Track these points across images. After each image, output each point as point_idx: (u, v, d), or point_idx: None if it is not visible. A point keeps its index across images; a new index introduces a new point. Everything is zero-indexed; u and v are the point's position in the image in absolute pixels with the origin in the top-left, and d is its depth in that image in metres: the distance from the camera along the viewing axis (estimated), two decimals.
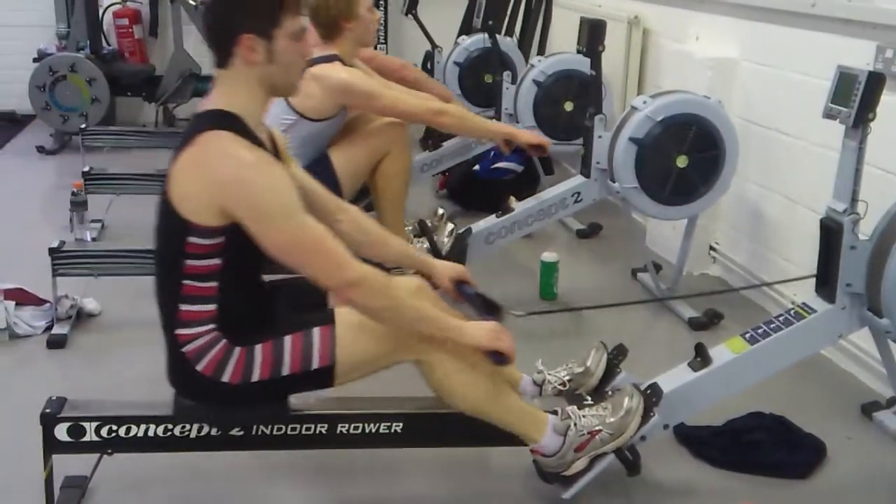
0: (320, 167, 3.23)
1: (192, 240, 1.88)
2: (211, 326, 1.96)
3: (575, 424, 2.13)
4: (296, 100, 3.14)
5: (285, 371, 1.98)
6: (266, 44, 1.90)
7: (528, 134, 3.51)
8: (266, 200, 1.85)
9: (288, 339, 1.99)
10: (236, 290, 1.97)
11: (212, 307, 1.95)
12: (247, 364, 1.97)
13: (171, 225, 1.90)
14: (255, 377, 1.97)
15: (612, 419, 2.15)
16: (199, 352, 1.97)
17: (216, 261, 1.91)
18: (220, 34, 1.93)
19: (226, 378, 1.97)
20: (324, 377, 2.01)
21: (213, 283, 1.93)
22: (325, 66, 3.20)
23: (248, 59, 1.90)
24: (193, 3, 6.18)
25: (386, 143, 3.38)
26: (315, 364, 1.99)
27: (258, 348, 1.98)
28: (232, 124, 1.89)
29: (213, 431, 2.09)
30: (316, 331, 1.99)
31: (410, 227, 3.41)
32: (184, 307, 1.95)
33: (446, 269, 2.31)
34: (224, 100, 1.93)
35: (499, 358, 2.05)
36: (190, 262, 1.91)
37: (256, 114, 1.97)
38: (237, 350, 1.97)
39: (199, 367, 1.97)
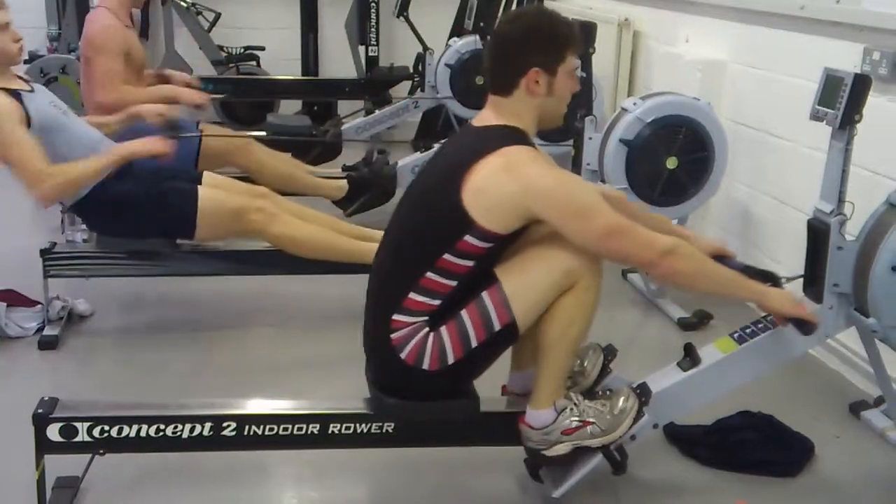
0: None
1: (468, 238, 2.00)
2: (425, 318, 2.05)
3: (574, 406, 2.15)
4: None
5: (474, 343, 2.05)
6: (549, 78, 2.07)
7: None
8: (579, 200, 2.03)
9: (464, 313, 2.05)
10: (464, 291, 2.06)
11: (437, 302, 2.05)
12: (440, 349, 2.05)
13: (448, 220, 2.02)
14: (451, 359, 2.05)
15: (607, 416, 2.17)
16: (403, 339, 2.05)
17: (471, 262, 2.03)
18: (510, 64, 2.08)
19: (425, 365, 2.05)
20: (509, 334, 2.08)
21: (453, 282, 2.04)
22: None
23: (531, 91, 2.07)
24: (185, 5, 6.18)
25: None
26: (497, 325, 2.05)
27: (444, 331, 2.05)
28: (526, 141, 2.08)
29: (206, 431, 2.09)
30: (485, 294, 2.05)
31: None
32: (413, 296, 2.04)
33: (707, 243, 2.40)
34: (509, 120, 2.09)
35: (804, 326, 2.17)
36: (449, 257, 2.02)
37: (530, 137, 2.12)
38: (430, 335, 2.05)
39: (402, 355, 2.05)
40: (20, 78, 3.09)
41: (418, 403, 2.12)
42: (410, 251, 2.10)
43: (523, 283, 2.07)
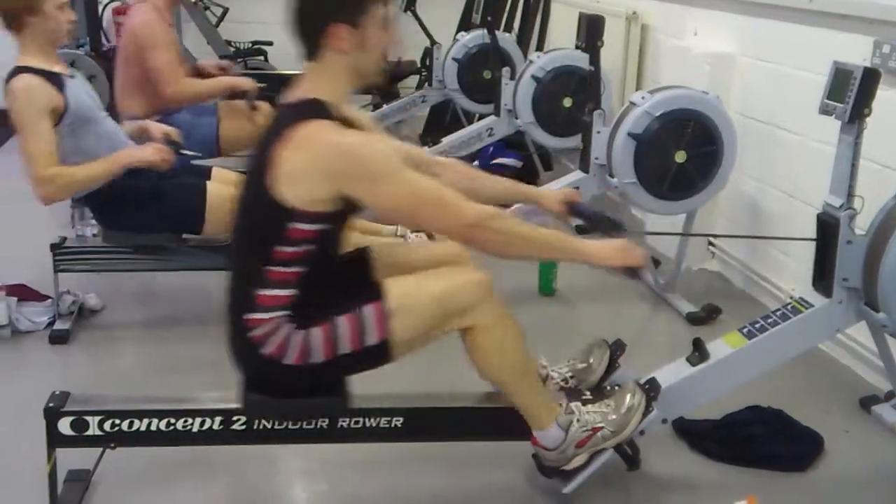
0: None
1: (295, 225, 1.92)
2: (284, 313, 2.00)
3: (578, 420, 2.15)
4: None
5: (344, 349, 2.01)
6: (355, 32, 1.94)
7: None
8: (376, 167, 1.91)
9: (342, 320, 2.01)
10: (316, 275, 2.00)
11: (290, 292, 1.98)
12: (306, 346, 2.00)
13: (268, 211, 1.93)
14: (318, 358, 2.00)
15: (614, 416, 2.17)
16: (265, 337, 2.00)
17: (308, 247, 1.95)
18: (308, 26, 1.96)
19: (289, 360, 2.00)
20: (382, 353, 2.03)
21: (298, 269, 1.97)
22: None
23: (338, 49, 1.94)
24: (193, 0, 6.19)
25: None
26: (372, 340, 2.01)
27: (315, 331, 2.00)
28: (327, 113, 1.93)
29: (215, 425, 2.10)
30: (368, 308, 2.01)
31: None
32: (262, 292, 1.98)
33: (555, 194, 2.35)
34: (314, 88, 1.97)
35: (632, 272, 2.08)
36: (281, 247, 1.95)
37: (343, 99, 2.01)
38: (300, 333, 2.01)
39: (264, 351, 2.00)
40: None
41: (288, 400, 2.09)
42: (247, 248, 2.04)
43: (408, 307, 2.01)
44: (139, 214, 3.12)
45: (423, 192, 1.94)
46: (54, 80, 2.94)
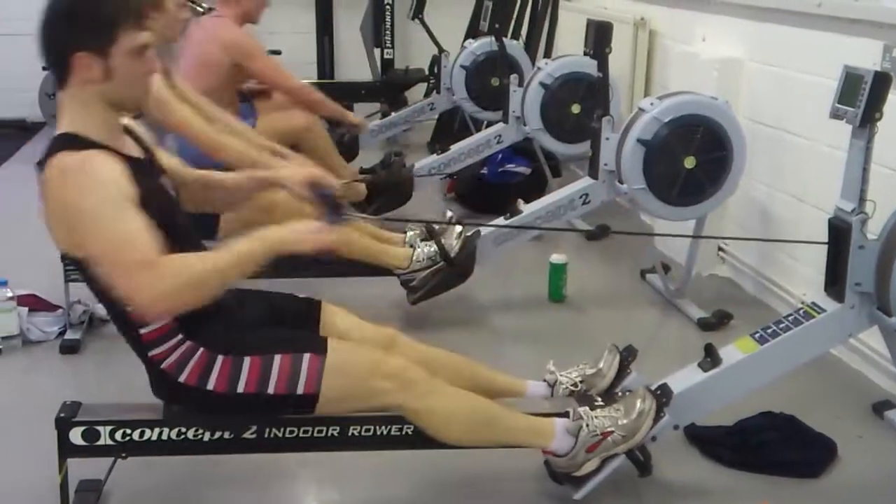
0: None
1: (88, 271, 1.86)
2: (179, 337, 1.97)
3: (587, 425, 2.14)
4: None
5: (270, 390, 2.00)
6: (102, 61, 1.81)
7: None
8: (77, 202, 1.79)
9: (278, 359, 2.00)
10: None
11: (165, 322, 1.95)
12: (232, 374, 1.99)
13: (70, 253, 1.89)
14: (241, 388, 1.99)
15: (624, 421, 2.16)
16: (178, 364, 1.98)
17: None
18: (53, 53, 1.84)
19: (211, 386, 1.99)
20: (306, 404, 2.03)
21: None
22: None
23: (85, 79, 1.82)
24: (201, 10, 6.20)
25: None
26: (300, 390, 2.00)
27: (246, 361, 1.99)
28: (69, 145, 1.82)
29: (226, 435, 2.10)
30: (307, 357, 2.01)
31: (418, 231, 3.42)
32: (142, 331, 1.96)
33: (298, 173, 2.17)
34: (68, 122, 1.86)
35: (326, 255, 2.01)
36: (105, 292, 1.87)
37: (106, 129, 1.88)
38: (220, 358, 1.99)
39: (181, 379, 1.99)
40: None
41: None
42: (101, 298, 1.98)
43: (345, 371, 2.02)
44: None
45: (120, 234, 1.76)
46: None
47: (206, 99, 3.78)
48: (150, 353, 1.99)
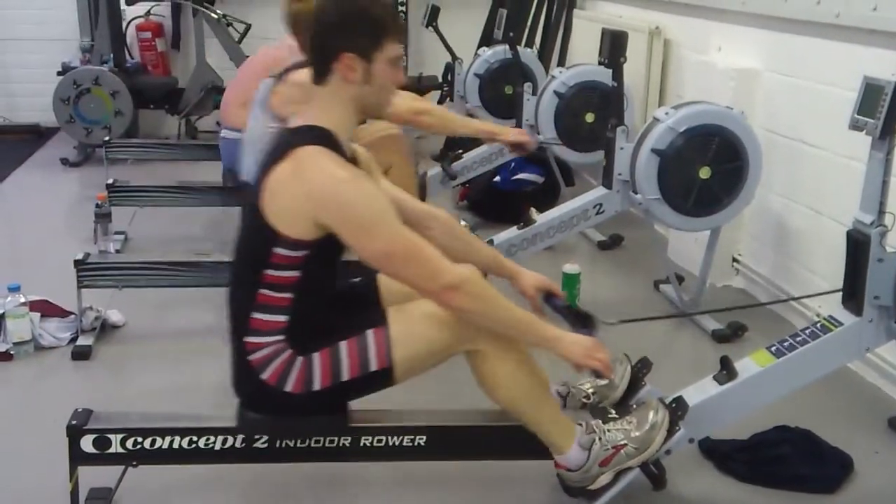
0: None
1: (278, 250, 1.92)
2: (280, 337, 1.99)
3: (600, 438, 2.12)
4: (282, 108, 3.18)
5: (345, 377, 2.00)
6: (365, 65, 1.96)
7: (511, 131, 3.64)
8: (361, 212, 1.90)
9: (343, 346, 2.01)
10: (309, 302, 2.00)
11: (283, 318, 1.99)
12: (308, 373, 2.00)
13: (259, 234, 1.94)
14: (317, 386, 2.00)
15: (637, 433, 2.14)
16: (264, 361, 2.00)
17: (295, 273, 1.95)
18: (322, 50, 1.98)
19: (288, 387, 2.00)
20: (383, 379, 2.03)
21: (288, 295, 1.97)
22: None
23: (346, 78, 1.96)
24: (216, 17, 6.23)
25: (385, 156, 3.30)
26: (373, 366, 2.01)
27: (316, 357, 2.00)
28: (325, 140, 1.94)
29: (237, 444, 2.09)
30: (370, 333, 2.01)
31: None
32: (256, 315, 1.99)
33: (532, 279, 2.31)
34: (318, 115, 1.99)
35: (595, 374, 2.07)
36: (270, 271, 1.95)
37: (346, 130, 2.02)
38: (299, 360, 2.00)
39: (263, 376, 2.00)
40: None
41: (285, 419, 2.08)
42: (241, 271, 2.05)
43: (410, 334, 2.02)
44: None
45: (406, 245, 1.92)
46: None
47: None
48: (246, 340, 2.00)
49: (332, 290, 2.10)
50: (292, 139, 1.95)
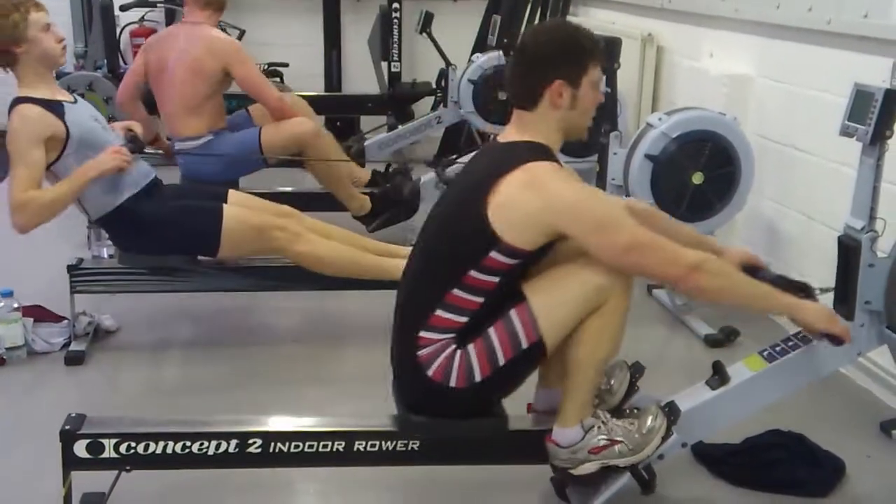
0: None
1: (494, 255, 2.00)
2: (451, 335, 2.04)
3: (602, 425, 2.14)
4: None
5: (501, 361, 2.04)
6: (573, 90, 2.06)
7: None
8: (601, 214, 2.02)
9: (492, 331, 2.05)
10: (493, 307, 2.05)
11: (464, 319, 2.04)
12: (468, 366, 2.04)
13: (475, 235, 2.01)
14: (478, 377, 2.04)
15: (635, 436, 2.15)
16: (431, 356, 2.04)
17: (497, 279, 2.03)
18: (534, 78, 2.07)
19: (453, 383, 2.04)
20: (536, 353, 2.06)
21: (480, 299, 2.04)
22: None
23: (554, 104, 2.06)
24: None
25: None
26: (525, 343, 2.04)
27: (471, 348, 2.04)
28: (551, 156, 2.07)
29: (231, 448, 2.09)
30: (513, 313, 2.05)
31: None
32: (439, 312, 2.04)
33: (736, 254, 2.36)
34: (533, 135, 2.09)
35: (835, 340, 2.13)
36: (475, 273, 2.02)
37: (555, 150, 2.11)
38: (459, 353, 2.04)
39: (429, 373, 2.05)
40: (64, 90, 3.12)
41: (444, 421, 2.11)
42: (437, 268, 2.09)
43: (551, 302, 2.06)
44: (155, 236, 3.12)
45: (644, 240, 2.01)
46: (54, 107, 2.93)
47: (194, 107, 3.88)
48: (421, 333, 2.05)
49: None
50: (522, 154, 2.04)
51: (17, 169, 2.87)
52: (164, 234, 3.11)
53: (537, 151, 2.06)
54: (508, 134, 2.13)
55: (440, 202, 2.22)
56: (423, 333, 2.05)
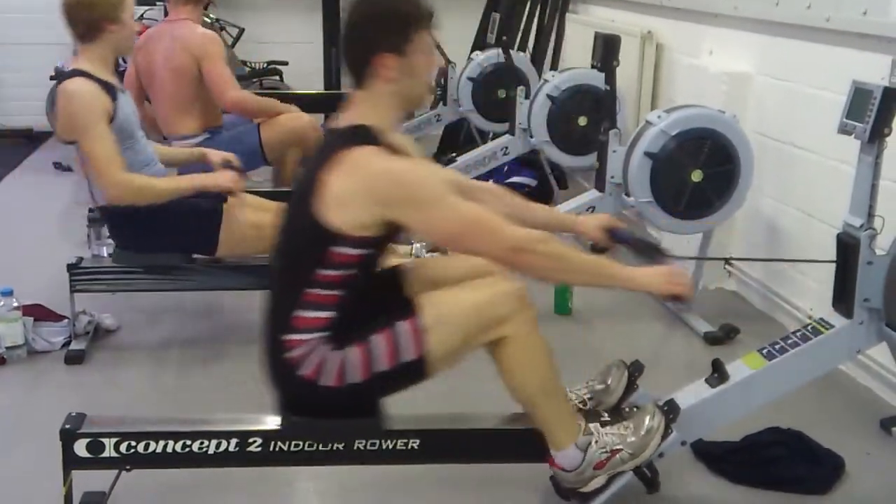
0: None
1: (338, 249, 1.95)
2: (320, 334, 2.01)
3: (596, 441, 2.13)
4: None
5: (381, 367, 2.01)
6: (402, 60, 1.98)
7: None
8: (424, 191, 1.95)
9: (378, 338, 2.02)
10: (354, 298, 2.01)
11: (327, 314, 2.00)
12: (343, 366, 2.01)
13: (312, 234, 1.96)
14: (355, 378, 2.01)
15: (633, 438, 2.15)
16: (302, 357, 2.01)
17: (350, 271, 1.98)
18: (357, 57, 2.01)
19: (328, 381, 2.01)
20: (418, 369, 2.03)
21: (337, 292, 1.99)
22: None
23: (385, 78, 1.98)
24: (209, 20, 6.23)
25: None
26: (409, 356, 2.01)
27: (352, 350, 2.01)
28: (375, 139, 1.97)
29: (231, 447, 2.09)
30: (403, 323, 2.02)
31: (424, 242, 3.41)
32: (300, 313, 2.00)
33: (594, 220, 2.37)
34: (363, 115, 2.01)
35: (678, 301, 2.09)
36: (323, 271, 1.97)
37: (391, 126, 2.06)
38: (336, 354, 2.01)
39: (301, 372, 2.01)
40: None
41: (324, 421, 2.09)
42: (288, 269, 2.06)
43: (443, 321, 2.02)
44: (153, 234, 3.12)
45: (469, 217, 1.96)
46: (109, 89, 2.98)
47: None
48: (284, 337, 2.01)
49: (371, 284, 2.10)
50: (342, 140, 1.98)
51: (99, 145, 2.92)
52: (163, 230, 3.11)
53: (358, 136, 1.97)
54: (341, 118, 2.04)
55: (287, 202, 2.13)
56: (290, 336, 2.00)
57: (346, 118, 2.03)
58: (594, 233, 2.34)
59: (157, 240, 3.14)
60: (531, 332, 2.08)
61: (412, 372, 2.03)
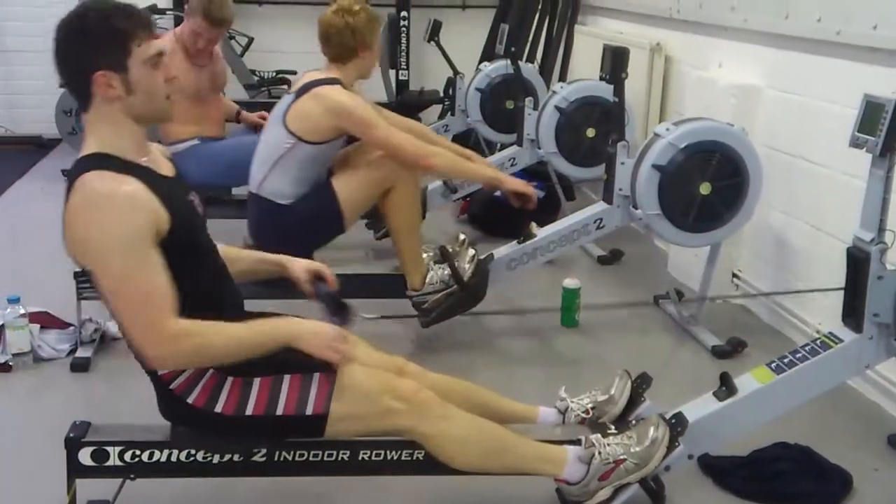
0: (322, 194, 3.27)
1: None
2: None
3: (599, 453, 2.12)
4: (293, 122, 3.20)
5: (279, 411, 1.99)
6: (122, 76, 1.85)
7: (515, 181, 3.41)
8: (100, 243, 1.81)
9: (287, 378, 2.00)
10: (203, 319, 1.91)
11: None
12: (242, 396, 1.98)
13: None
14: (249, 411, 1.98)
15: (637, 448, 2.13)
16: (187, 385, 1.98)
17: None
18: (74, 77, 1.88)
19: (219, 408, 1.98)
20: (315, 426, 2.01)
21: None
22: (326, 88, 3.22)
23: (106, 96, 1.86)
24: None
25: (390, 174, 3.26)
26: (309, 410, 1.99)
27: (256, 381, 1.99)
28: (101, 165, 1.84)
29: (236, 458, 2.08)
30: (317, 376, 2.00)
31: (431, 254, 3.40)
32: None
33: (303, 263, 2.27)
34: (94, 142, 1.89)
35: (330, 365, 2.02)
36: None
37: (132, 145, 1.91)
38: (230, 379, 1.98)
39: (190, 400, 1.98)
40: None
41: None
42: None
43: (355, 392, 2.01)
44: (290, 237, 3.17)
45: (137, 290, 1.83)
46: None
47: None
48: (160, 373, 1.99)
49: (227, 302, 2.05)
50: (74, 171, 1.86)
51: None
52: (295, 233, 3.21)
53: (88, 163, 1.85)
54: (83, 145, 1.91)
55: None
56: (161, 372, 1.97)
57: (85, 146, 1.90)
58: (302, 276, 2.24)
59: (294, 241, 3.12)
60: (438, 426, 2.05)
61: (307, 427, 2.01)
